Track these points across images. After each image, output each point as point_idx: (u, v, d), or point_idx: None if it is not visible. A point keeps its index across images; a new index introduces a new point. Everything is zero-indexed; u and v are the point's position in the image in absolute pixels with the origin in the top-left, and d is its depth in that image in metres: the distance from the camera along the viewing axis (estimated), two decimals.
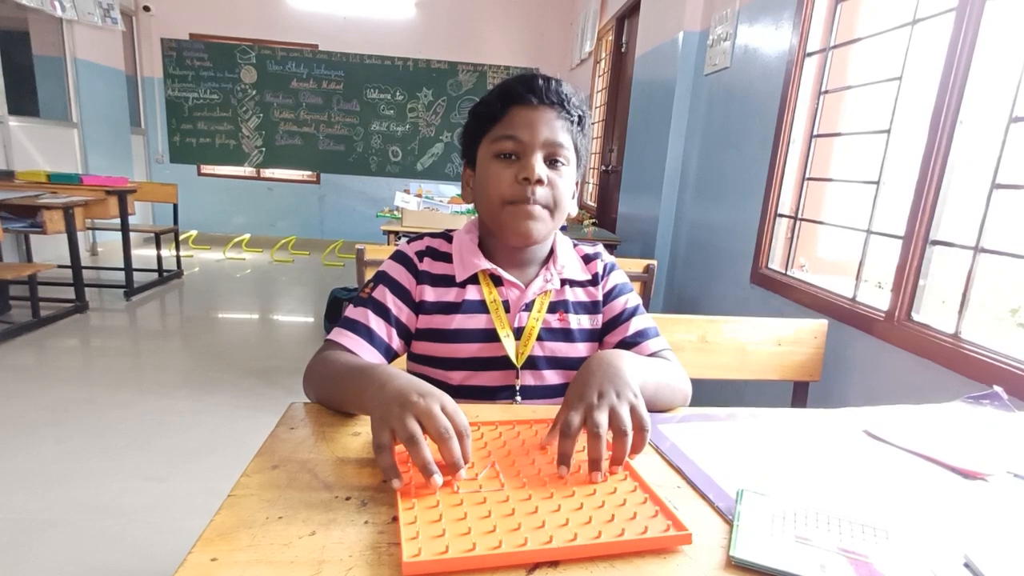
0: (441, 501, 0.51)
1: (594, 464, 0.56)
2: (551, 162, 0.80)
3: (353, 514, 0.48)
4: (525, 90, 0.78)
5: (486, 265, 0.84)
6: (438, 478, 0.51)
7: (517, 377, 0.83)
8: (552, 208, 0.80)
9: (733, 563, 0.45)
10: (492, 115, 0.80)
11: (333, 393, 0.69)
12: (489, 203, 0.81)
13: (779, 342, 1.29)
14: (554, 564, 0.44)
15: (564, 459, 0.56)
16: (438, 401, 0.56)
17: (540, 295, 0.85)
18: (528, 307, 0.84)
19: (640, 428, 0.58)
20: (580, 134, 0.83)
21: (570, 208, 0.85)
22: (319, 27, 6.06)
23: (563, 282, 0.87)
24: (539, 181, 0.77)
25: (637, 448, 0.58)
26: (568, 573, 0.43)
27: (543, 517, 0.49)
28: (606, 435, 0.57)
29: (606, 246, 2.31)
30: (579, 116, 0.82)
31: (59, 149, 4.67)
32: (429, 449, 0.52)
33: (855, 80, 1.80)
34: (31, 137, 4.37)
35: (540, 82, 0.79)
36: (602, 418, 0.57)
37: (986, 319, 1.53)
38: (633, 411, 0.59)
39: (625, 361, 0.66)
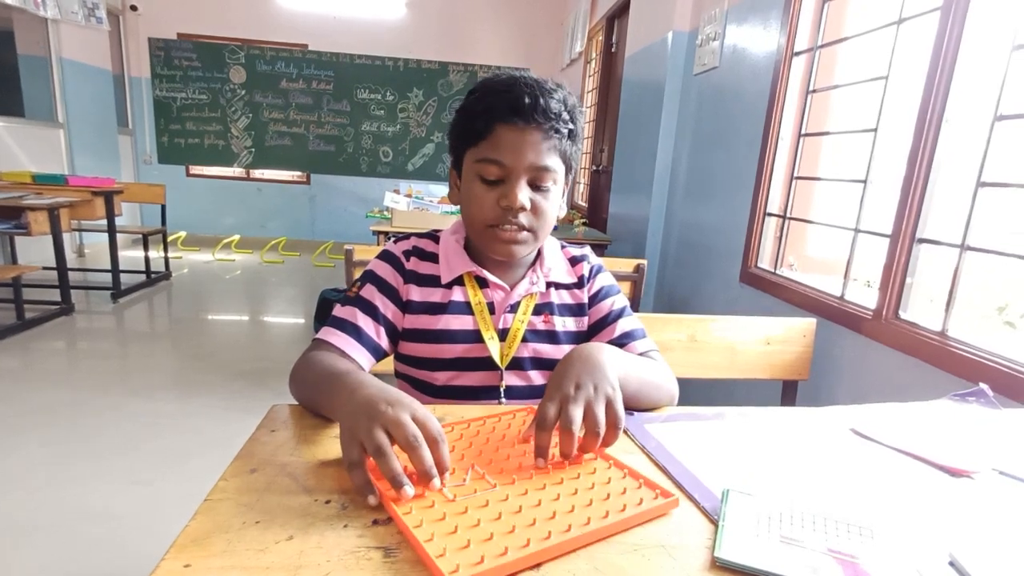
0: (446, 512, 0.49)
1: (564, 456, 0.57)
2: (536, 185, 0.77)
3: (332, 518, 0.47)
4: (510, 111, 0.74)
5: (471, 267, 0.83)
6: (409, 489, 0.49)
7: (501, 378, 0.83)
8: (535, 230, 0.79)
9: (718, 564, 0.45)
10: (477, 131, 0.76)
11: (311, 398, 0.68)
12: (472, 222, 0.81)
13: (768, 341, 1.30)
14: (536, 566, 0.43)
15: (541, 452, 0.57)
16: (407, 409, 0.54)
17: (526, 297, 0.85)
18: (513, 309, 0.84)
19: (613, 425, 0.59)
20: (571, 145, 0.80)
21: (558, 214, 0.84)
22: (309, 27, 6.03)
23: (549, 284, 0.87)
24: (521, 208, 0.76)
25: (608, 443, 0.59)
26: (550, 573, 0.43)
27: (551, 508, 0.50)
28: (578, 431, 0.57)
29: (597, 246, 2.30)
30: (569, 130, 0.78)
31: (45, 150, 4.61)
32: (399, 460, 0.51)
33: (842, 79, 1.81)
34: (16, 137, 4.32)
35: (527, 100, 0.73)
36: (576, 413, 0.57)
37: (975, 317, 1.54)
38: (609, 406, 0.59)
39: (605, 354, 0.66)
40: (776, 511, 0.51)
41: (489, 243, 0.80)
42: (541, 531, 0.46)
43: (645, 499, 0.51)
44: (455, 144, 0.82)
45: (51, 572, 1.42)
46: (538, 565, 0.44)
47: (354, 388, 0.58)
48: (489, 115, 0.75)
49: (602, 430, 0.57)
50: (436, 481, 0.51)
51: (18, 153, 4.33)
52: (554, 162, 0.77)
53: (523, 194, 0.76)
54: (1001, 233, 1.31)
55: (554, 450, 0.58)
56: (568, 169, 0.82)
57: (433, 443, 0.52)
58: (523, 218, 0.77)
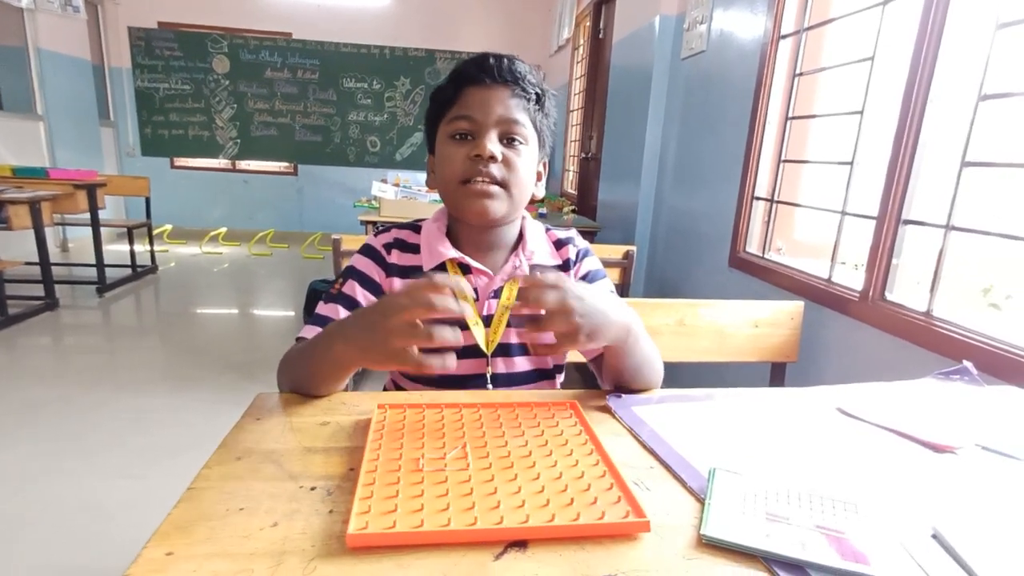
0: (402, 479, 0.50)
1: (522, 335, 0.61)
2: (507, 140, 0.79)
3: (317, 504, 0.47)
4: (477, 70, 0.77)
5: (453, 254, 0.82)
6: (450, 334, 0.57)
7: (488, 364, 0.83)
8: (508, 186, 0.79)
9: (704, 541, 0.45)
10: (447, 98, 0.79)
11: (303, 369, 0.68)
12: (446, 184, 0.80)
13: (756, 324, 1.30)
14: (523, 545, 0.43)
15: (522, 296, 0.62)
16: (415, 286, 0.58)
17: (509, 281, 0.84)
18: (497, 294, 0.83)
19: (562, 344, 0.64)
20: (539, 113, 0.81)
21: (535, 191, 0.84)
22: (292, 14, 5.94)
23: (532, 267, 0.86)
24: (492, 158, 0.76)
25: (560, 342, 0.64)
26: (538, 552, 0.43)
27: (499, 499, 0.49)
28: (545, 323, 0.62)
29: (586, 233, 2.29)
30: (536, 94, 0.80)
31: (25, 143, 4.53)
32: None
33: (829, 62, 1.81)
34: None
35: (492, 61, 0.77)
36: (566, 302, 0.62)
37: (961, 299, 1.55)
38: (589, 335, 0.64)
39: (623, 315, 0.69)
40: (763, 489, 0.51)
41: (463, 200, 0.79)
42: (468, 517, 0.45)
43: (608, 515, 0.47)
44: (430, 124, 0.84)
45: (42, 566, 1.42)
46: (514, 544, 0.44)
47: (352, 318, 0.65)
48: (458, 80, 0.79)
49: (570, 325, 0.62)
50: (451, 362, 0.58)
51: None
52: (523, 118, 0.79)
53: (493, 145, 0.76)
54: (987, 214, 1.32)
55: (555, 444, 0.58)
56: (540, 141, 0.83)
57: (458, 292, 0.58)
58: (494, 169, 0.77)
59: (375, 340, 0.59)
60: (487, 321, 0.83)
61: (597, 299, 0.66)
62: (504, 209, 0.80)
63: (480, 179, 0.77)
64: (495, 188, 0.78)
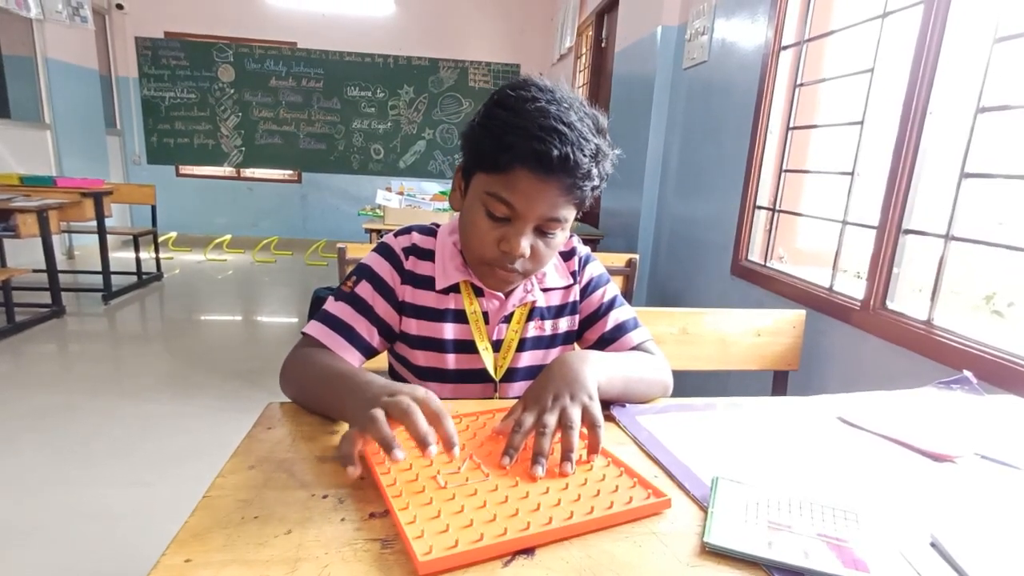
0: (434, 497, 0.51)
1: (535, 458, 0.56)
2: (542, 231, 0.73)
3: (330, 512, 0.48)
4: (536, 160, 0.66)
5: (467, 275, 0.81)
6: (399, 453, 0.51)
7: (495, 390, 0.83)
8: (530, 272, 0.78)
9: (707, 549, 0.46)
10: (495, 162, 0.69)
11: (311, 397, 0.69)
12: (468, 248, 0.78)
13: (759, 333, 1.31)
14: (531, 551, 0.45)
15: (510, 451, 0.57)
16: (407, 393, 0.56)
17: (520, 307, 0.83)
18: (507, 319, 0.83)
19: (592, 425, 0.60)
20: (590, 193, 0.73)
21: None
22: (297, 24, 6.00)
23: (542, 290, 0.86)
24: (521, 255, 0.72)
25: (593, 445, 0.59)
26: (545, 558, 0.44)
27: (537, 500, 0.51)
28: (551, 435, 0.58)
29: (589, 241, 2.30)
30: (592, 187, 0.72)
31: (32, 151, 4.57)
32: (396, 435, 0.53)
33: (829, 73, 1.83)
34: (2, 139, 4.27)
35: (556, 154, 0.66)
36: (551, 420, 0.59)
37: (964, 307, 1.55)
38: (585, 411, 0.61)
39: (586, 364, 0.67)
40: (765, 498, 0.52)
41: (480, 272, 0.79)
42: (521, 522, 0.47)
43: (635, 498, 0.51)
44: (468, 157, 0.75)
45: (47, 573, 1.42)
46: (523, 552, 0.45)
47: (363, 388, 0.60)
48: (512, 155, 0.67)
49: (576, 425, 0.59)
50: (433, 448, 0.52)
51: (5, 155, 4.28)
52: (567, 212, 0.73)
53: (526, 242, 0.72)
54: (988, 223, 1.33)
55: (555, 456, 0.59)
56: (579, 207, 0.76)
57: (434, 418, 0.55)
58: (520, 264, 0.74)
59: (358, 422, 0.56)
60: (496, 346, 0.82)
61: (554, 377, 0.65)
62: (519, 283, 0.81)
63: (503, 268, 0.74)
64: (515, 276, 0.77)
